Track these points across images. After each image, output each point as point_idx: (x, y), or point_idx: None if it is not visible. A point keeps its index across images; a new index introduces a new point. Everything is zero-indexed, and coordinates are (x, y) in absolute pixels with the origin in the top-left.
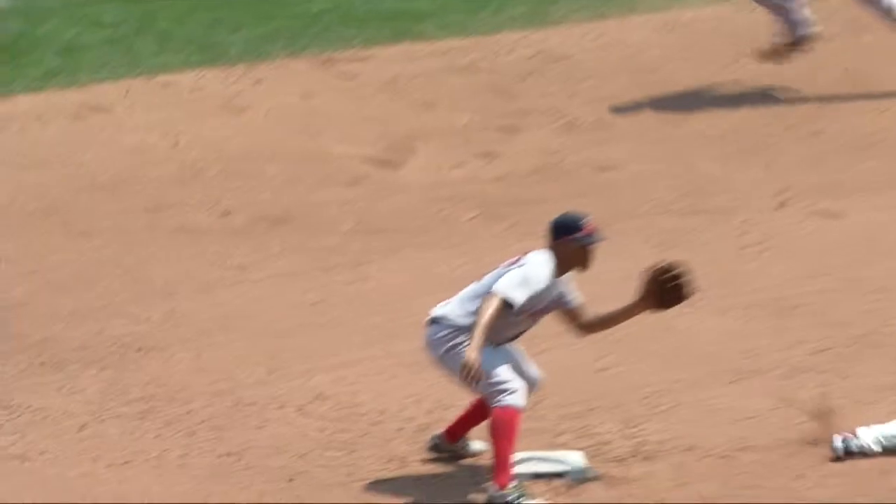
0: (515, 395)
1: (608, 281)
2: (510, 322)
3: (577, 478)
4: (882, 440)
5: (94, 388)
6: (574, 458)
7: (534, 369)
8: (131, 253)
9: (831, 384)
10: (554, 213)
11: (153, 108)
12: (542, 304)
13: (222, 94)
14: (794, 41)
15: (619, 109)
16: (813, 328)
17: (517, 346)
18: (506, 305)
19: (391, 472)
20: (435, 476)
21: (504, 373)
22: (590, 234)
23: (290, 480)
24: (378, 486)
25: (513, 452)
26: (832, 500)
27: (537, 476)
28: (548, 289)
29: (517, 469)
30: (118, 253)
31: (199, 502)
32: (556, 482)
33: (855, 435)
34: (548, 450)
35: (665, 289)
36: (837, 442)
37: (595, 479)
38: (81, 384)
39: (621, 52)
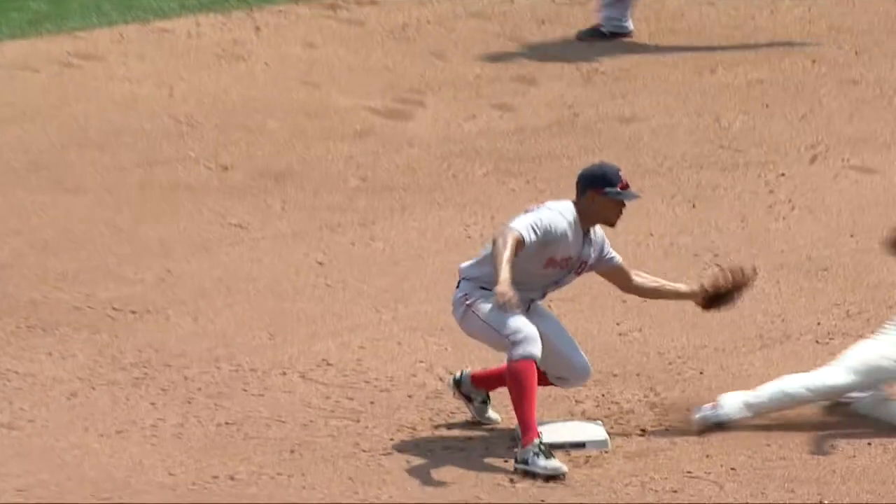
0: (524, 344)
1: (628, 241)
2: (532, 272)
3: (597, 448)
4: (753, 403)
5: (85, 354)
6: (594, 428)
7: (582, 357)
8: (124, 211)
9: None
10: (572, 169)
11: (147, 57)
12: (567, 255)
13: (220, 42)
14: (607, 30)
15: (641, 58)
16: (846, 291)
17: (561, 330)
18: (520, 244)
19: (400, 442)
20: (446, 447)
21: (513, 323)
22: (624, 190)
23: (293, 452)
24: (386, 457)
25: (533, 408)
26: (875, 472)
27: (554, 446)
28: (567, 239)
29: None
30: (110, 211)
31: (195, 475)
32: (575, 453)
33: (718, 405)
34: (566, 419)
35: (723, 293)
36: (701, 414)
37: (615, 449)
38: (72, 349)
39: None
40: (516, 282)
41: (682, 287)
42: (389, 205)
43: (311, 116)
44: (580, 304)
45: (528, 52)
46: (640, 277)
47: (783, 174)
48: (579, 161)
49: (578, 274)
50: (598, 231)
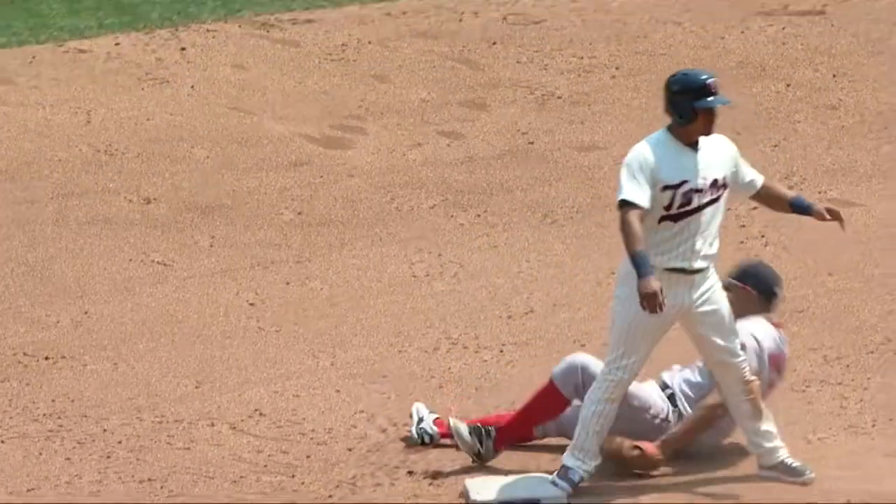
0: None
1: (587, 280)
2: None
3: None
4: (579, 446)
5: None
6: (550, 483)
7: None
8: (37, 247)
9: (848, 397)
10: (525, 202)
11: (62, 80)
12: None
13: (142, 64)
14: None
15: (601, 81)
16: (824, 334)
17: None
18: None
19: (339, 499)
20: None
21: None
22: None
23: None
24: None
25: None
26: (847, 495)
27: None
28: None
29: (483, 496)
30: (22, 248)
31: None
32: None
33: (568, 468)
34: (522, 472)
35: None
36: (558, 485)
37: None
38: None
39: (603, 15)
40: None
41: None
42: (327, 241)
43: (241, 145)
44: (535, 348)
45: (479, 75)
46: None
47: (755, 207)
48: (533, 193)
49: None
50: None
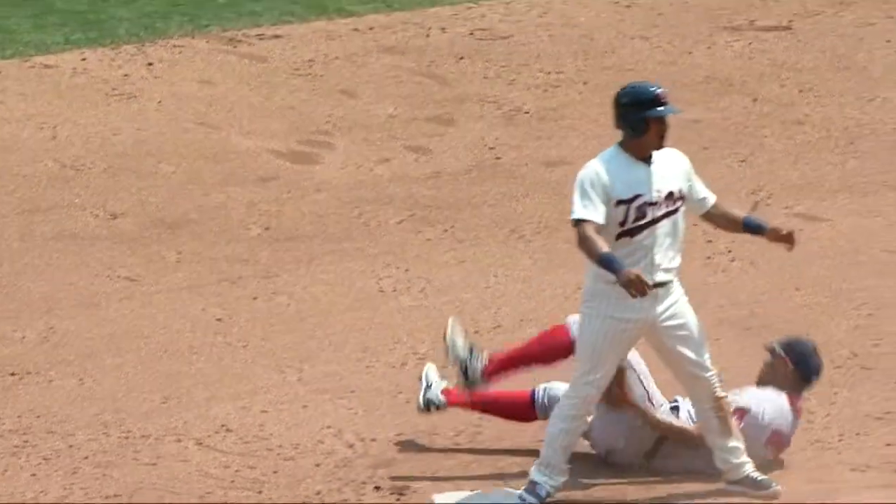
0: None
1: (555, 295)
2: None
3: None
4: (547, 462)
5: None
6: (515, 500)
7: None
8: (2, 263)
9: (814, 412)
10: (493, 217)
11: (28, 95)
12: None
13: (109, 79)
14: None
15: (568, 97)
16: None
17: None
18: None
19: None
20: None
21: None
22: None
23: None
24: None
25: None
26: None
27: None
28: None
29: None
30: None
31: None
32: None
33: (535, 483)
34: (489, 481)
35: None
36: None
37: None
38: None
39: (570, 30)
40: None
41: None
42: (295, 256)
43: (208, 160)
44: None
45: (446, 91)
46: None
47: None
48: (501, 208)
49: None
50: None
